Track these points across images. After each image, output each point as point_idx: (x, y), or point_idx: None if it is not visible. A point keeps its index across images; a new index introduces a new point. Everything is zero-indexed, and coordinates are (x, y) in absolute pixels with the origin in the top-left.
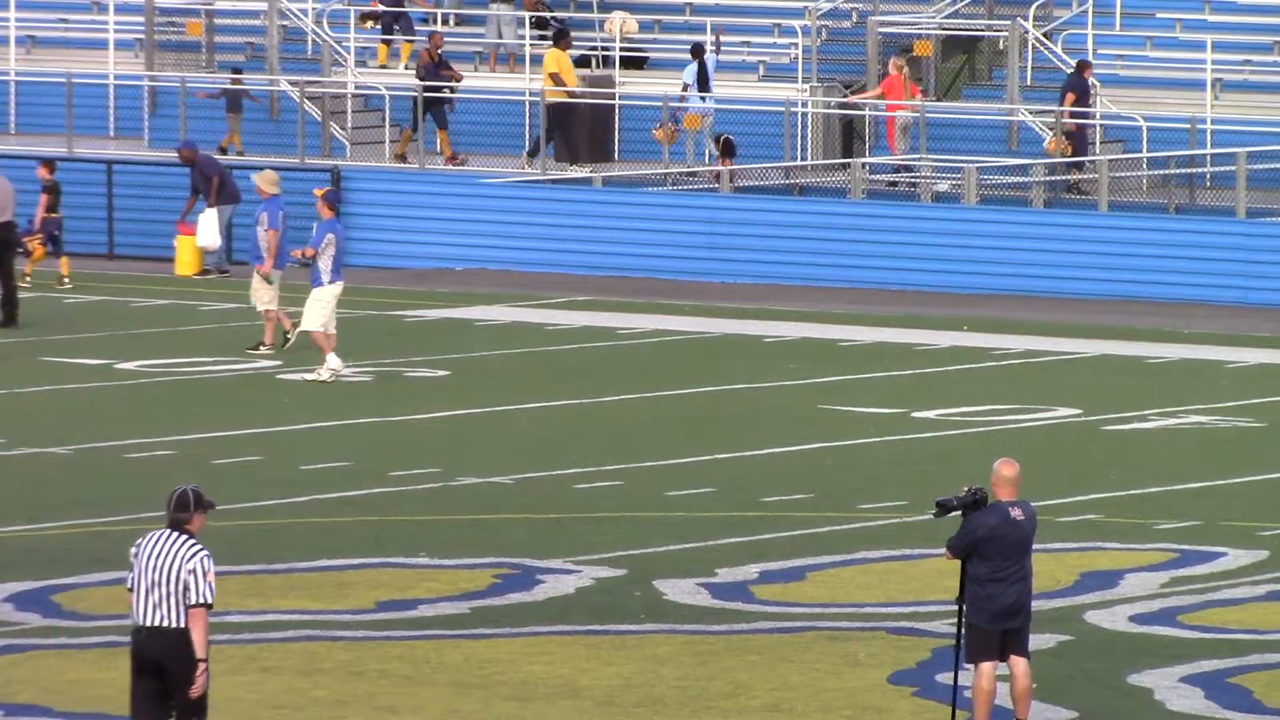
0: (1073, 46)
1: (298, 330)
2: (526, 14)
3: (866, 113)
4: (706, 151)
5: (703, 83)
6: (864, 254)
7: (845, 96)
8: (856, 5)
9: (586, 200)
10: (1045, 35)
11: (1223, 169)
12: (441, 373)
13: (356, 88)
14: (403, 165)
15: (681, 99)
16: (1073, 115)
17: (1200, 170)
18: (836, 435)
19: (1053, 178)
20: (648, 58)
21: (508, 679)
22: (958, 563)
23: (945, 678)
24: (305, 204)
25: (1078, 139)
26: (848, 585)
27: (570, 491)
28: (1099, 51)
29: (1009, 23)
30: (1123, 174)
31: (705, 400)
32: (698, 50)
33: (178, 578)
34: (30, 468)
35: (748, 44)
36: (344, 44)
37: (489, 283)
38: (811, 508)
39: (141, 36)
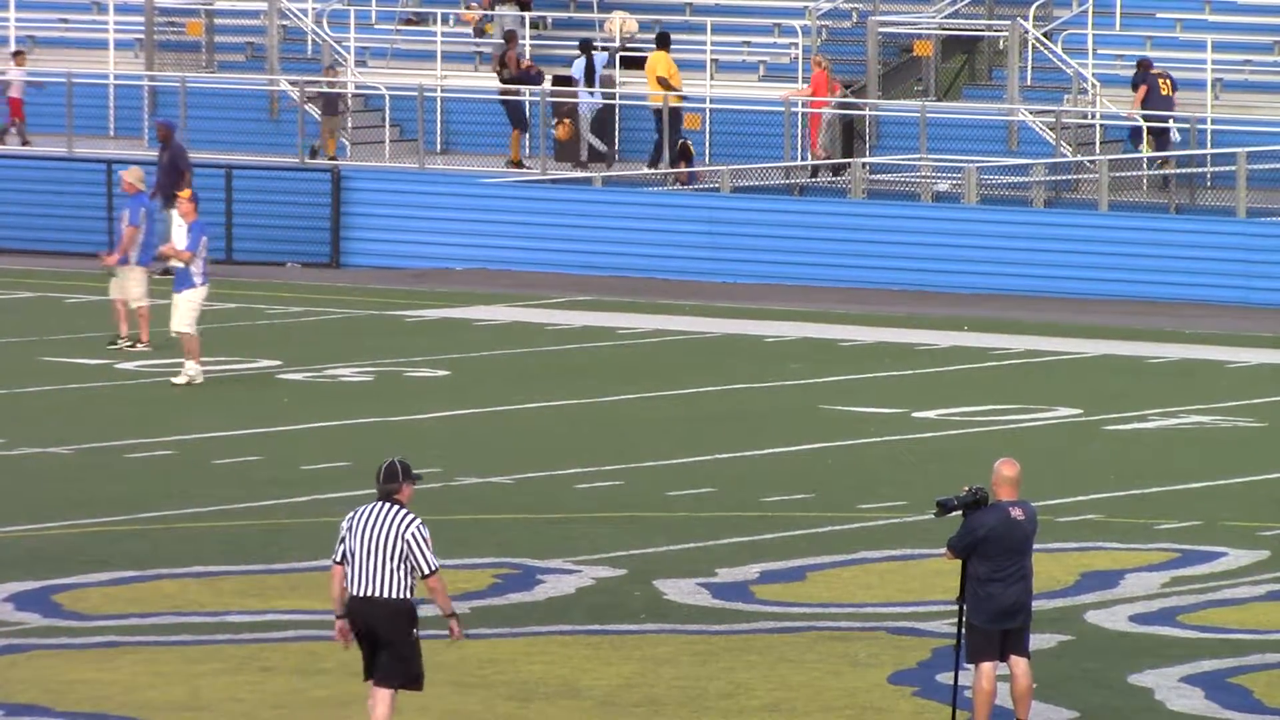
0: (1073, 46)
1: (135, 332)
2: (526, 14)
3: (866, 113)
4: (584, 145)
5: (589, 78)
6: (864, 254)
7: (846, 96)
8: (856, 5)
9: (586, 200)
10: (1045, 35)
11: (1223, 169)
12: (441, 373)
13: (356, 88)
14: (403, 165)
15: (571, 94)
16: (1067, 115)
17: (1200, 170)
18: (836, 435)
19: (1053, 178)
20: (648, 58)
21: (508, 679)
22: (958, 563)
23: (945, 678)
24: (302, 203)
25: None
26: (848, 585)
27: (570, 491)
28: (1099, 51)
29: (1009, 23)
30: (1123, 174)
31: (705, 400)
32: (586, 46)
33: (394, 547)
34: (30, 468)
35: (748, 44)
36: (344, 44)
37: (489, 282)
38: (811, 508)
39: (141, 36)
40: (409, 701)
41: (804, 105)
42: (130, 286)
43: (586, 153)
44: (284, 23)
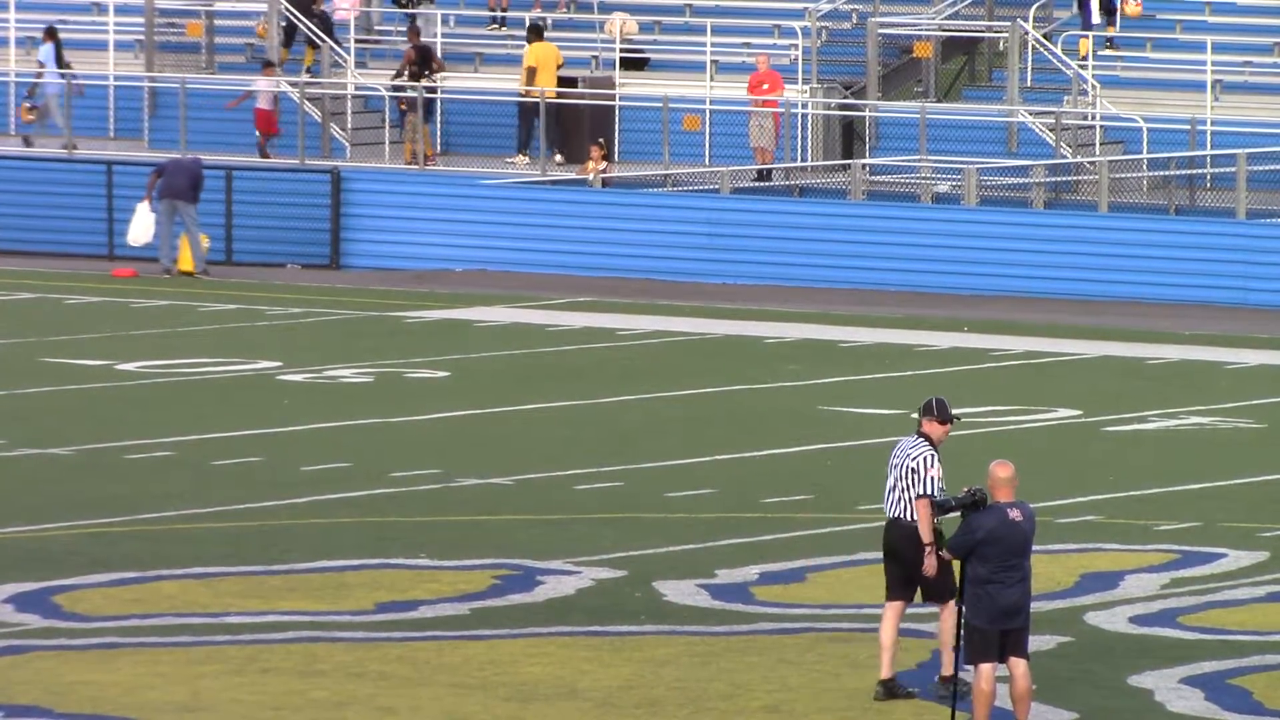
0: (1072, 48)
1: None
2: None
3: (866, 114)
4: (62, 125)
5: (59, 61)
6: (864, 255)
7: (845, 97)
8: (856, 6)
9: (586, 201)
10: (1045, 36)
11: (1223, 170)
12: (441, 373)
13: (356, 89)
14: (403, 166)
15: (38, 76)
16: (1067, 116)
17: (1200, 171)
18: (836, 436)
19: (1053, 179)
20: (648, 59)
21: (507, 680)
22: (957, 564)
23: None
24: (301, 205)
25: None
26: (848, 586)
27: (570, 492)
28: (1099, 52)
29: (1009, 24)
30: (1123, 175)
31: (705, 401)
32: (51, 31)
33: (908, 474)
34: (31, 468)
35: (748, 45)
36: (344, 45)
37: (489, 284)
38: (811, 508)
39: (141, 37)
40: (405, 703)
41: (803, 106)
42: None
43: (59, 131)
44: (284, 23)
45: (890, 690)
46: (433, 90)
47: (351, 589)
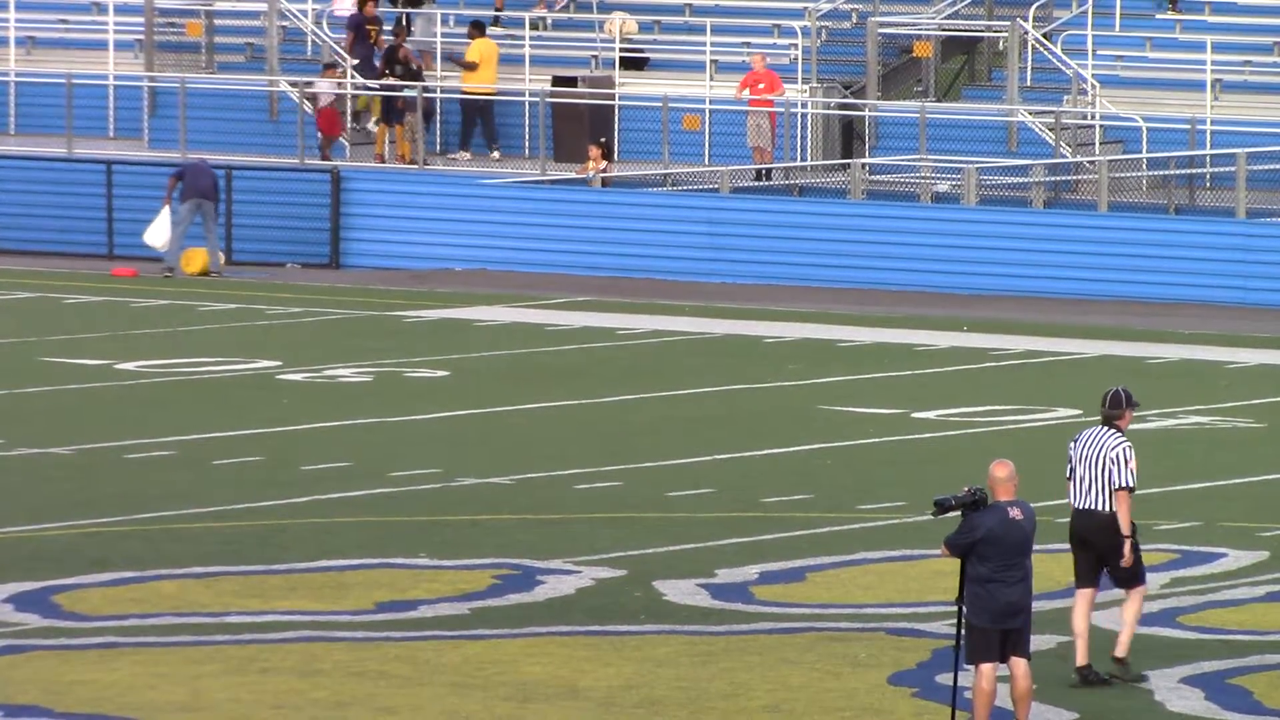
0: (1072, 47)
1: None
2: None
3: (866, 113)
4: None
5: None
6: (864, 254)
7: (845, 97)
8: (856, 6)
9: (586, 200)
10: (1045, 36)
11: (1222, 169)
12: (441, 373)
13: (355, 89)
14: (403, 166)
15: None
16: (1067, 115)
17: (1200, 171)
18: (836, 435)
19: (1053, 179)
20: (648, 58)
21: (507, 680)
22: (957, 563)
23: (945, 678)
24: (301, 204)
25: None
26: (848, 586)
27: (570, 492)
28: (1099, 52)
29: (1009, 23)
30: (1123, 174)
31: (705, 400)
32: None
33: (1103, 466)
34: (30, 468)
35: (747, 44)
36: (343, 44)
37: (489, 283)
38: (811, 508)
39: (141, 37)
40: (405, 702)
41: (802, 106)
42: None
43: None
44: (284, 23)
45: (1086, 677)
46: (396, 90)
47: (351, 589)
